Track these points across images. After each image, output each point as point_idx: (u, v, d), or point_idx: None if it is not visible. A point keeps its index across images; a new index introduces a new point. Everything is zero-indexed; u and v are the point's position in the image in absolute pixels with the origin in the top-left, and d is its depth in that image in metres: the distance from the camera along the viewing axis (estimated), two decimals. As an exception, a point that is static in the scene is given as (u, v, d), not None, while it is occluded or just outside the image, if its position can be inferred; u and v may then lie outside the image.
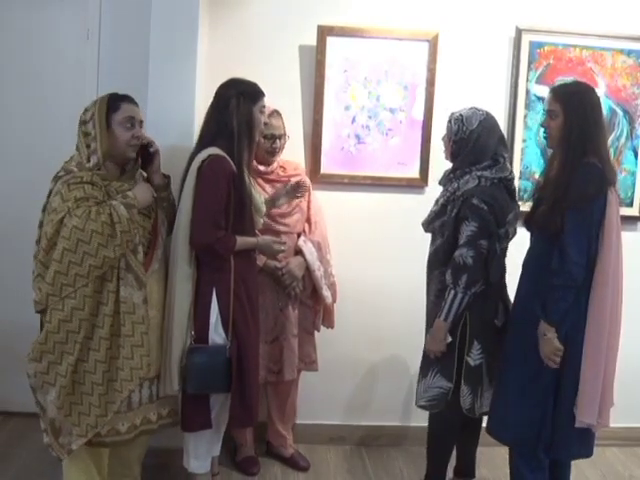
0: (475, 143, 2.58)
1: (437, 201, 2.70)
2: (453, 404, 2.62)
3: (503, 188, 2.61)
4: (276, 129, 2.92)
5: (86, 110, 2.46)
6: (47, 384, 2.38)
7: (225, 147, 2.55)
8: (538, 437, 2.45)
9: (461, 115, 2.62)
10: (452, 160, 2.69)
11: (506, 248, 2.67)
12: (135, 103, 2.52)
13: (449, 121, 2.66)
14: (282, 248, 2.75)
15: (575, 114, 2.41)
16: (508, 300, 2.70)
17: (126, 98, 2.50)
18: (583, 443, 2.49)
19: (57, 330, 2.35)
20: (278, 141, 2.94)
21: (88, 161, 2.42)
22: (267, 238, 2.73)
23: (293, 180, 2.93)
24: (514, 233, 2.68)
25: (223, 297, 2.54)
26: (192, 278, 2.54)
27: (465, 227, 2.53)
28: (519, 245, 2.63)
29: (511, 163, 3.27)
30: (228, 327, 2.54)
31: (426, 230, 2.75)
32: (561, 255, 2.34)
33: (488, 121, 2.61)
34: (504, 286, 2.71)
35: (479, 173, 2.57)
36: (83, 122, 2.44)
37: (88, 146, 2.42)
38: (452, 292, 2.54)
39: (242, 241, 2.58)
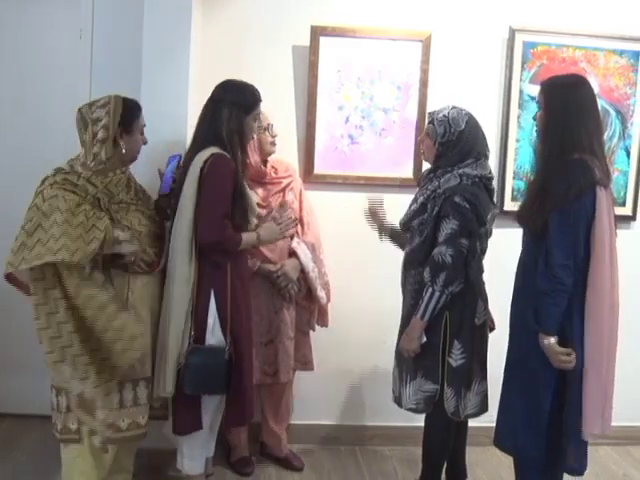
0: (465, 144, 2.55)
1: (416, 200, 2.66)
2: (443, 405, 2.59)
3: (483, 187, 2.57)
4: (268, 118, 2.93)
5: (99, 106, 2.45)
6: (59, 363, 2.34)
7: (220, 149, 2.55)
8: (543, 447, 2.31)
9: (445, 116, 2.56)
10: (434, 161, 2.64)
11: (485, 248, 2.62)
12: None
13: (431, 122, 2.60)
14: (290, 216, 2.73)
15: (555, 107, 2.30)
16: (486, 297, 2.66)
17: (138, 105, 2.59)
18: (578, 458, 2.33)
19: (45, 301, 2.33)
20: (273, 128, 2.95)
21: (93, 161, 2.44)
22: (265, 225, 2.70)
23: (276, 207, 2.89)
24: (490, 233, 2.64)
25: (221, 298, 2.54)
26: (191, 280, 2.53)
27: (445, 225, 2.48)
28: (505, 244, 2.60)
29: (505, 163, 3.31)
30: (226, 328, 2.54)
31: (403, 229, 2.70)
32: (546, 258, 2.22)
33: (472, 119, 2.58)
34: (482, 283, 2.65)
35: (460, 171, 2.52)
36: (95, 120, 2.43)
37: (96, 153, 2.44)
38: (430, 290, 2.50)
39: (246, 237, 2.58)
